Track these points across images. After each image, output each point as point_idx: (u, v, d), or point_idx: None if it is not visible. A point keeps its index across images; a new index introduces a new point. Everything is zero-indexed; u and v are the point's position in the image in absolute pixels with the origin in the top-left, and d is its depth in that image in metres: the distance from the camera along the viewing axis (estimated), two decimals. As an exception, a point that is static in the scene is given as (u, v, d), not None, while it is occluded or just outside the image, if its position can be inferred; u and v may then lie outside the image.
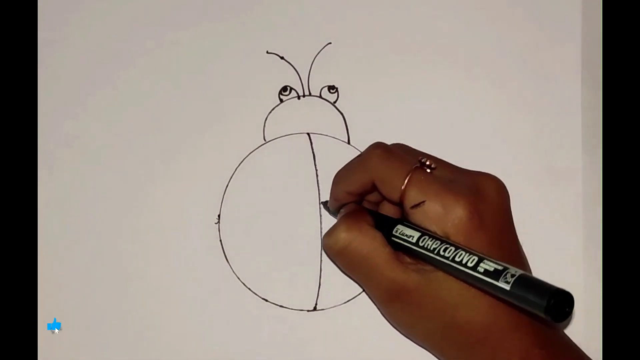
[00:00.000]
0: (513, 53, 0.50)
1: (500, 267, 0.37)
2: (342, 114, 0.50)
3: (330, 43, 0.50)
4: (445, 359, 0.44)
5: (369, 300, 0.48)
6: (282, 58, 0.50)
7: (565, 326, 0.47)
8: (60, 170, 0.49)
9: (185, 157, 0.49)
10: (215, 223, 0.49)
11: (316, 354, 0.48)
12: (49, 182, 0.49)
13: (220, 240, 0.49)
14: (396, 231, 0.42)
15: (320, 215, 0.49)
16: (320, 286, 0.48)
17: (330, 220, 0.49)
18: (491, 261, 0.38)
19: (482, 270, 0.37)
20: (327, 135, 0.49)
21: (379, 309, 0.46)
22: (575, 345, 0.43)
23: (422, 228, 0.42)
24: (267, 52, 0.50)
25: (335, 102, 0.50)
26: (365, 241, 0.43)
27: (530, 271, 0.43)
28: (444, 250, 0.39)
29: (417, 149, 0.48)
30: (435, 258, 0.40)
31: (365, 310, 0.48)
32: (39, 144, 0.49)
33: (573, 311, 0.35)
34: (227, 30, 0.50)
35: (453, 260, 0.39)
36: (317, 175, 0.49)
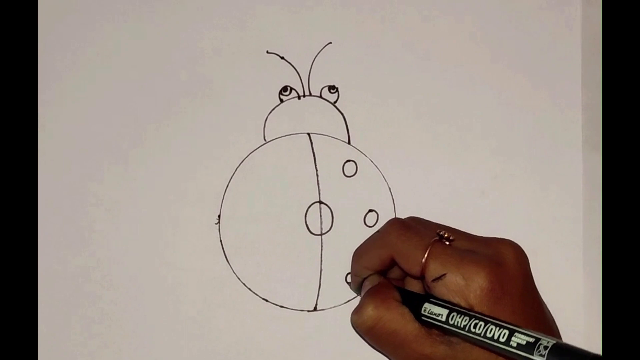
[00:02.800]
0: (513, 53, 0.50)
1: (532, 339, 0.37)
2: (342, 114, 0.50)
3: (330, 43, 0.50)
4: None
5: (369, 300, 0.48)
6: (282, 58, 0.50)
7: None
8: (60, 170, 0.49)
9: (186, 157, 0.49)
10: (215, 223, 0.49)
11: (316, 354, 0.48)
12: (49, 182, 0.49)
13: (220, 240, 0.49)
14: (424, 310, 0.42)
15: (321, 216, 0.49)
16: (321, 286, 0.48)
17: (334, 223, 0.49)
18: (522, 333, 0.38)
19: (514, 344, 0.38)
20: (327, 135, 0.49)
21: None
22: None
23: (446, 302, 0.42)
24: (267, 52, 0.50)
25: (335, 102, 0.50)
26: (394, 318, 0.43)
27: (558, 331, 0.44)
28: (474, 327, 0.40)
29: (417, 150, 0.48)
30: (467, 335, 0.40)
31: (366, 310, 0.48)
32: (39, 144, 0.49)
33: None
34: (227, 30, 0.50)
35: (484, 336, 0.39)
36: (317, 175, 0.49)
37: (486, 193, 0.49)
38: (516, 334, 0.38)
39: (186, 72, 0.50)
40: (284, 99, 0.50)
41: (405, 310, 0.43)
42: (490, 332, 0.39)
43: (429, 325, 0.43)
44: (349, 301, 0.48)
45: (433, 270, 0.42)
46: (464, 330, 0.40)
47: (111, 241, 0.48)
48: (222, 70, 0.50)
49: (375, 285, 0.45)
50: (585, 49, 0.50)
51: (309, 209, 0.49)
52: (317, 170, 0.49)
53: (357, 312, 0.44)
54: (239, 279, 0.48)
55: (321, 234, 0.49)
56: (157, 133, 0.49)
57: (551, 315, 0.44)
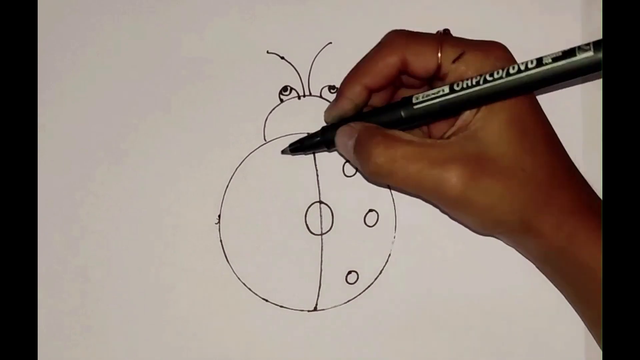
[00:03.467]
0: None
1: (566, 49, 0.33)
2: (342, 114, 0.50)
3: (330, 43, 0.50)
4: (521, 230, 0.43)
5: (369, 301, 0.48)
6: (282, 58, 0.50)
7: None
8: (60, 170, 0.49)
9: (186, 157, 0.49)
10: (215, 223, 0.49)
11: (316, 354, 0.48)
12: (49, 182, 0.49)
13: (220, 240, 0.49)
14: (416, 99, 0.40)
15: (321, 216, 0.49)
16: (321, 286, 0.48)
17: (334, 223, 0.49)
18: (550, 55, 0.34)
19: (550, 60, 0.33)
20: (327, 135, 0.49)
21: (450, 213, 0.45)
22: None
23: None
24: (267, 52, 0.50)
25: (335, 102, 0.50)
26: (406, 148, 0.41)
27: None
28: (490, 75, 0.36)
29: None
30: (484, 88, 0.36)
31: (366, 311, 0.48)
32: (39, 144, 0.49)
33: None
34: (227, 30, 0.50)
35: (509, 74, 0.35)
36: (317, 175, 0.49)
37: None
38: (544, 56, 0.34)
39: (186, 72, 0.50)
40: (284, 99, 0.50)
41: (415, 139, 0.42)
42: (513, 69, 0.35)
43: (426, 117, 0.41)
44: (349, 301, 0.48)
45: (451, 53, 0.42)
46: (479, 85, 0.37)
47: (111, 241, 0.49)
48: (222, 70, 0.50)
49: (364, 128, 0.43)
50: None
51: (309, 209, 0.49)
52: (317, 170, 0.49)
53: (368, 158, 0.42)
54: (239, 279, 0.48)
55: (321, 234, 0.49)
56: (157, 133, 0.49)
57: None
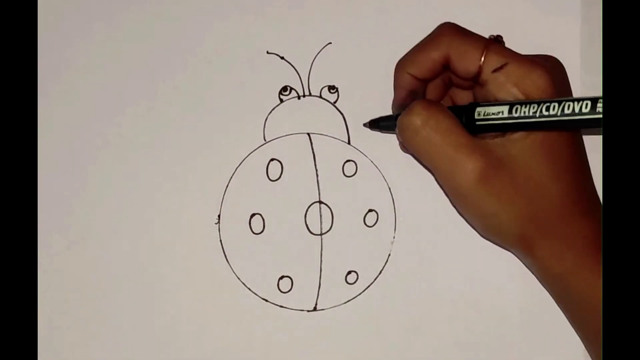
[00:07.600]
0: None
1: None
2: (342, 114, 0.50)
3: (330, 43, 0.50)
4: (521, 247, 0.44)
5: (369, 301, 0.48)
6: (282, 58, 0.50)
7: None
8: (60, 170, 0.49)
9: (186, 157, 0.49)
10: (215, 223, 0.49)
11: (316, 354, 0.48)
12: (49, 182, 0.49)
13: (220, 240, 0.49)
14: (478, 114, 0.41)
15: (320, 215, 0.49)
16: (320, 286, 0.48)
17: (334, 223, 0.49)
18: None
19: (600, 109, 0.35)
20: (327, 135, 0.49)
21: (456, 204, 0.45)
22: None
23: (499, 101, 0.41)
24: (267, 52, 0.50)
25: (335, 102, 0.50)
26: (443, 118, 0.42)
27: None
28: (547, 109, 0.37)
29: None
30: (539, 122, 0.37)
31: (365, 311, 0.48)
32: (39, 144, 0.49)
33: None
34: (227, 30, 0.50)
35: (564, 114, 0.36)
36: (317, 175, 0.49)
37: (486, 193, 0.49)
38: (599, 100, 0.35)
39: (186, 72, 0.50)
40: (284, 99, 0.50)
41: (453, 115, 0.42)
42: (569, 108, 0.36)
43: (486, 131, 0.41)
44: (348, 301, 0.48)
45: (493, 62, 0.42)
46: (535, 118, 0.37)
47: (111, 241, 0.49)
48: (222, 70, 0.50)
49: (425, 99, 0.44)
50: (585, 49, 0.50)
51: (309, 209, 0.49)
52: (317, 170, 0.49)
53: (405, 114, 0.43)
54: (238, 278, 0.48)
55: (321, 234, 0.49)
56: (157, 133, 0.49)
57: None
